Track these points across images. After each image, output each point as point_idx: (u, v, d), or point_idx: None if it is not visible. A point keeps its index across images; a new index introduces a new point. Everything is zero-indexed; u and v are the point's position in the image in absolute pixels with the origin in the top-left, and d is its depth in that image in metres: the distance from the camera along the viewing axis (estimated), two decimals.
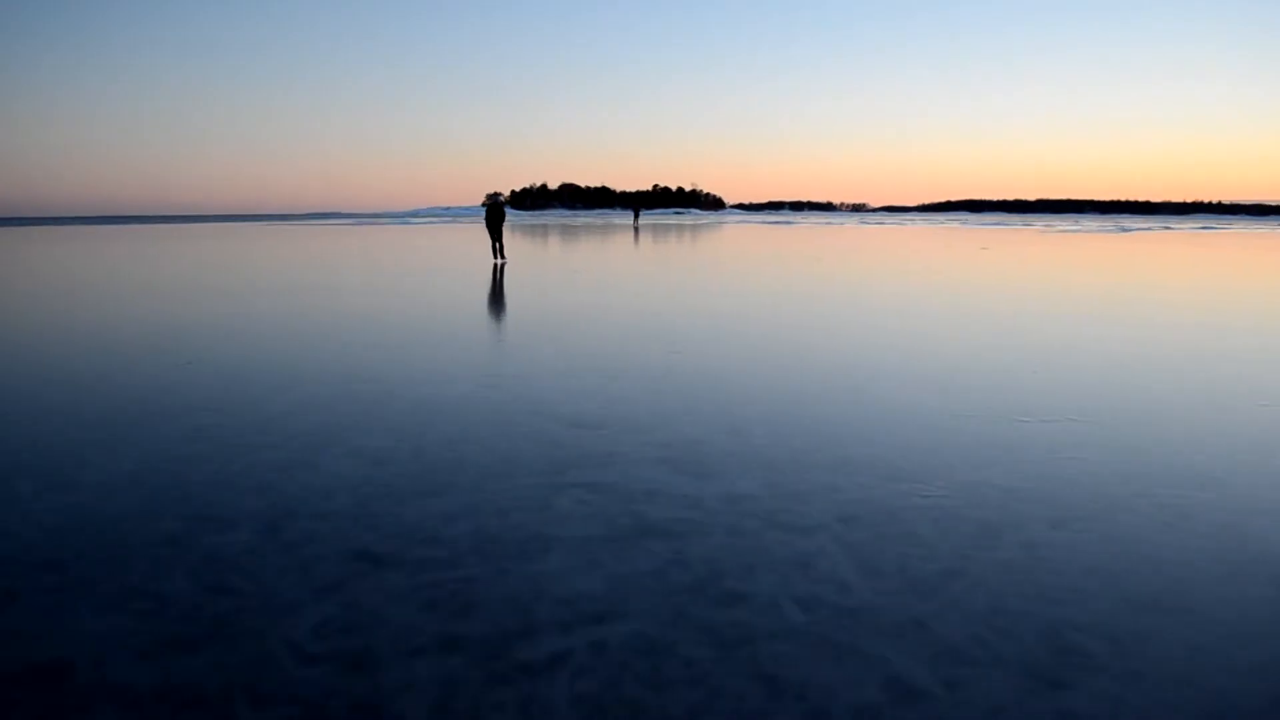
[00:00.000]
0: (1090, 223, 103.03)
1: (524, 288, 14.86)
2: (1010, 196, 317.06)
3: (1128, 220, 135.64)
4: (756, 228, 66.92)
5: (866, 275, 17.59)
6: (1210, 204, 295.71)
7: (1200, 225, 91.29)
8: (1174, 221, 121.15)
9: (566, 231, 53.03)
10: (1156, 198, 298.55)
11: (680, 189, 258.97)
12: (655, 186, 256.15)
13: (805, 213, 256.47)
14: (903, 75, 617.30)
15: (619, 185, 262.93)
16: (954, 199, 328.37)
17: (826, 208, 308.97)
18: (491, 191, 24.10)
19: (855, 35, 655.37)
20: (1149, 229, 71.31)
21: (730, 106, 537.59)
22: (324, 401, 6.18)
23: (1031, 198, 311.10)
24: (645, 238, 41.57)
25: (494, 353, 8.15)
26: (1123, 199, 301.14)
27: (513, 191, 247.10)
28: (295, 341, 8.86)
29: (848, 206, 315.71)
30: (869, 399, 6.23)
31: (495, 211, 21.79)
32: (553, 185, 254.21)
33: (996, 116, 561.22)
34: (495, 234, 21.48)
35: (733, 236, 44.78)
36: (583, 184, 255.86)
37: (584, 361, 7.66)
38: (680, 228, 65.61)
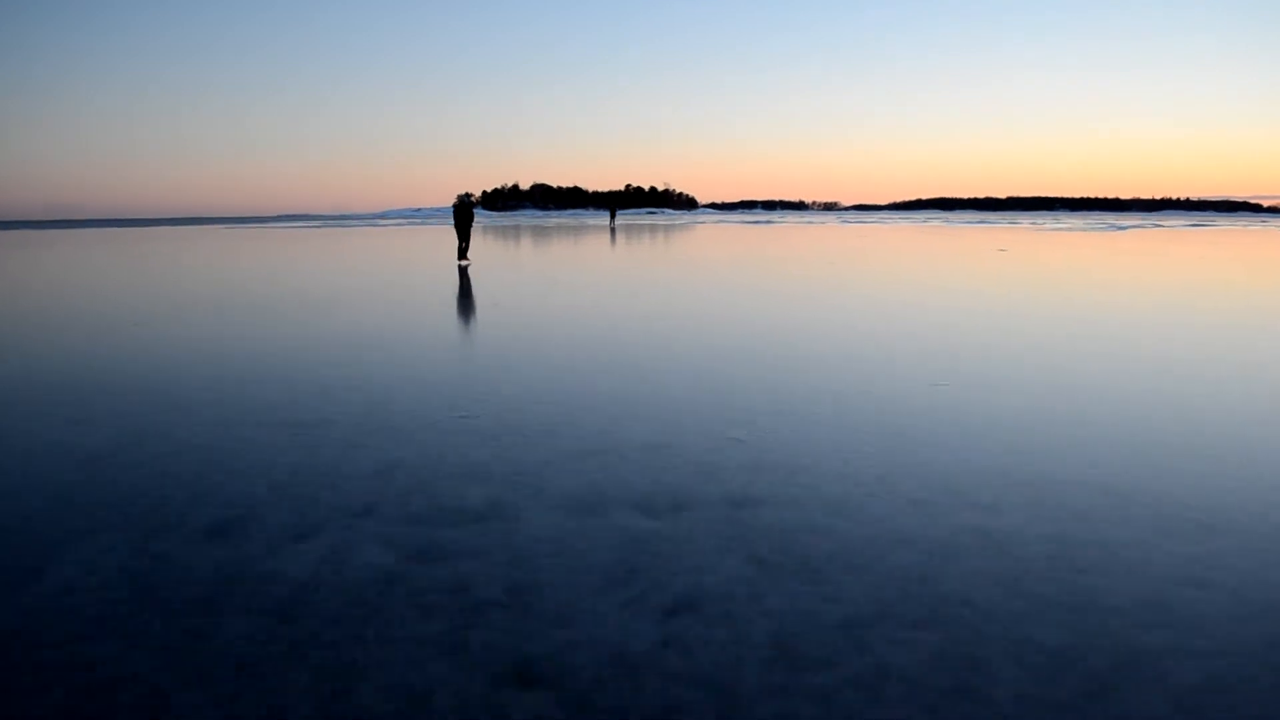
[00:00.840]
0: (1074, 221, 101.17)
1: (494, 310, 11.63)
2: (980, 195, 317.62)
3: (1110, 217, 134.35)
4: (738, 228, 63.88)
5: (918, 287, 14.49)
6: (1178, 200, 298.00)
7: (1191, 223, 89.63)
8: (1152, 219, 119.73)
9: (540, 233, 49.67)
10: (1125, 195, 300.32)
11: (653, 189, 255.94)
12: (628, 186, 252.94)
13: (778, 211, 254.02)
14: (871, 74, 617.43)
15: (591, 185, 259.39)
16: (924, 197, 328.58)
17: (798, 206, 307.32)
18: (463, 192, 22.98)
19: (823, 35, 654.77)
20: (1141, 226, 69.21)
21: (701, 106, 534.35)
22: (82, 611, 2.94)
23: (1001, 195, 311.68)
24: (626, 240, 38.37)
25: (439, 447, 4.93)
26: (1091, 196, 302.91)
27: (484, 192, 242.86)
28: (147, 413, 5.59)
29: (819, 205, 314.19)
30: (1158, 590, 3.09)
31: (464, 211, 21.30)
32: (524, 185, 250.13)
33: (964, 116, 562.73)
34: (463, 234, 21.03)
35: (719, 237, 41.68)
36: (555, 184, 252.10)
37: (592, 475, 4.45)
38: (659, 228, 62.44)
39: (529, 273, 18.70)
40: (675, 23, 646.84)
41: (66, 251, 32.54)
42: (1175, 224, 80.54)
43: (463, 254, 20.96)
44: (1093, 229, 59.79)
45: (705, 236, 43.48)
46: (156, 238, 48.53)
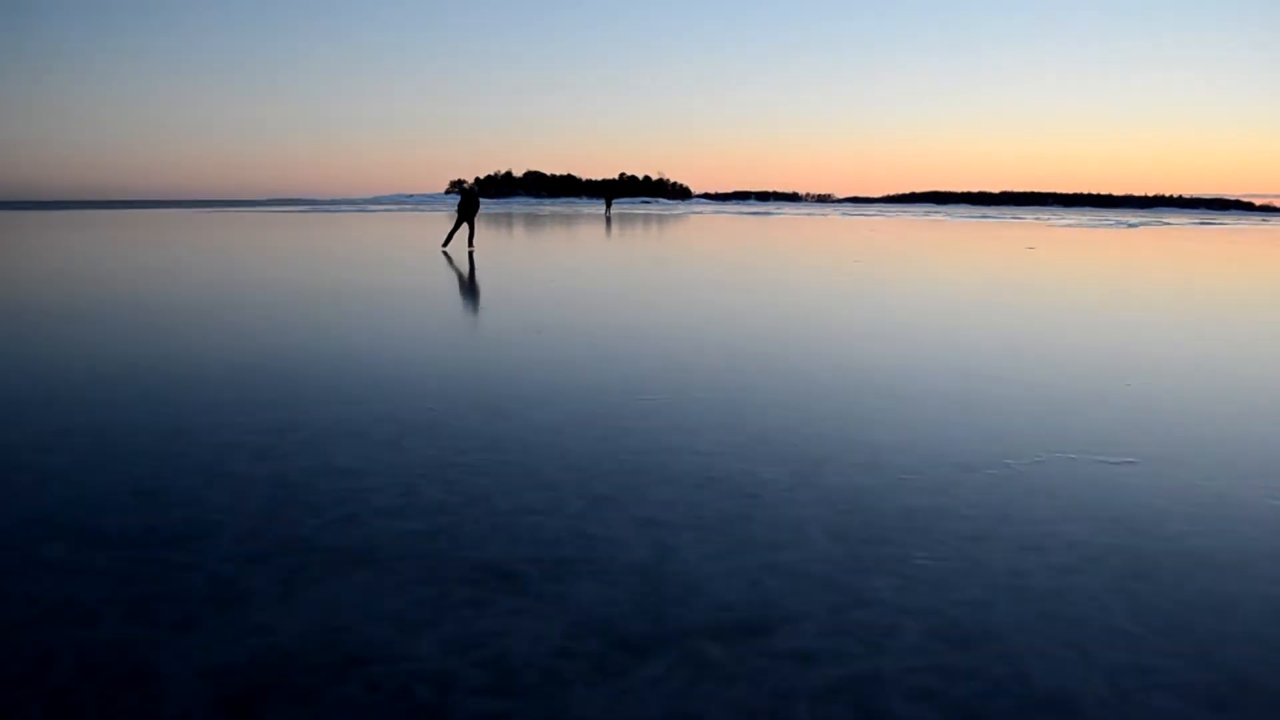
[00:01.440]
0: (1075, 216, 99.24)
1: (488, 325, 9.47)
2: (974, 189, 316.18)
3: (1107, 214, 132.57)
4: (739, 219, 61.73)
5: (978, 293, 12.37)
6: (1171, 198, 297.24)
7: (1197, 220, 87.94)
8: (1151, 215, 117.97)
9: (536, 221, 47.38)
10: (1118, 191, 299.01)
11: (647, 178, 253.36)
12: (622, 175, 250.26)
13: (772, 203, 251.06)
14: (863, 68, 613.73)
15: (585, 173, 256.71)
16: (918, 190, 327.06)
17: (792, 198, 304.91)
18: (456, 179, 22.14)
19: (817, 28, 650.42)
20: (1148, 223, 67.40)
21: (694, 96, 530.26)
22: None
23: (995, 190, 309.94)
24: (628, 232, 36.22)
25: (360, 620, 2.80)
26: (1083, 192, 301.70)
27: (476, 179, 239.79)
28: None
29: (813, 197, 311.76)
30: None
31: (469, 199, 21.14)
32: (518, 173, 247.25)
33: (956, 110, 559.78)
34: (466, 221, 20.93)
35: (725, 229, 39.54)
36: (548, 172, 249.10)
37: None
38: (658, 219, 60.27)
39: (529, 270, 16.49)
40: (670, 12, 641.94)
41: (21, 237, 30.18)
42: (1180, 221, 78.72)
43: (451, 239, 21.13)
44: (1101, 225, 57.91)
45: (710, 228, 41.36)
46: (132, 223, 46.13)
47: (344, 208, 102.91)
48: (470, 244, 21.41)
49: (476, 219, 24.66)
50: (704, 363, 6.87)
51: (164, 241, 25.28)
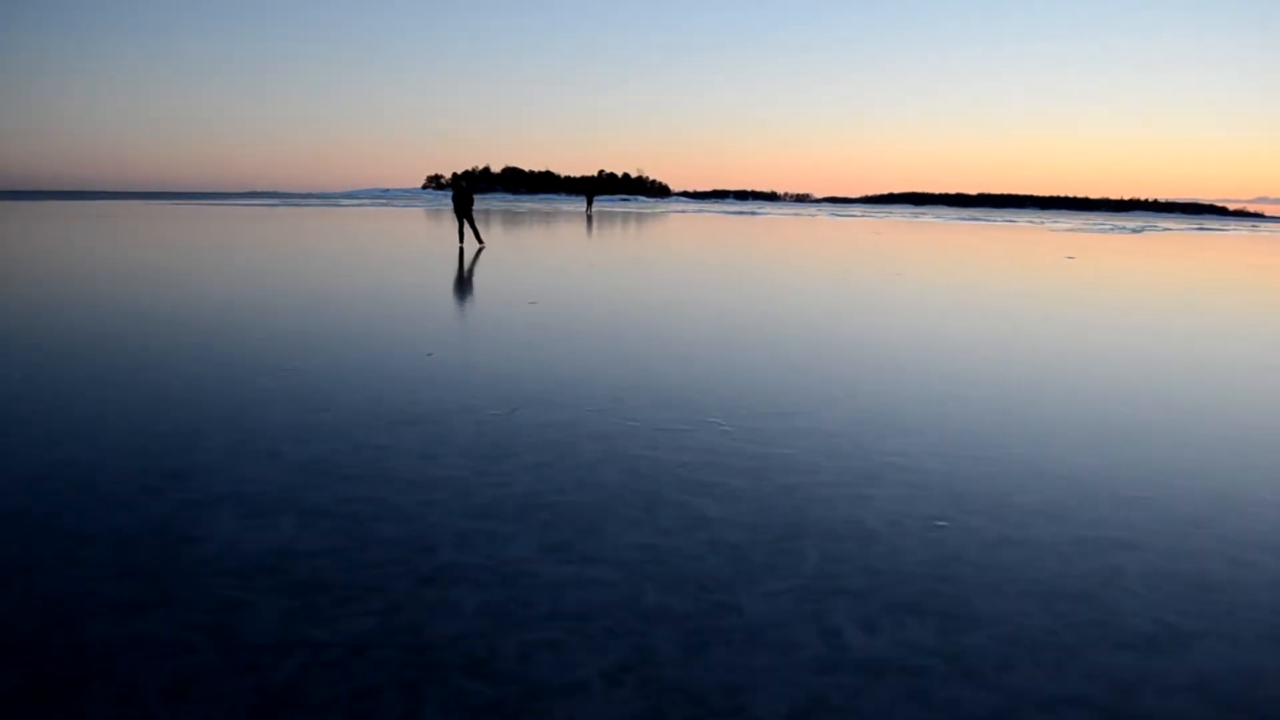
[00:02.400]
0: (1069, 221, 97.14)
1: (436, 399, 6.33)
2: (951, 190, 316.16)
3: (1092, 218, 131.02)
4: (726, 218, 58.76)
5: (1102, 320, 9.39)
6: (1146, 201, 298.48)
7: (1193, 226, 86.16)
8: (1135, 219, 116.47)
9: (513, 218, 44.10)
10: (1094, 194, 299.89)
11: (626, 175, 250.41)
12: (601, 172, 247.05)
13: (751, 202, 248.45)
14: (844, 69, 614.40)
15: (563, 170, 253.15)
16: (896, 191, 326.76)
17: (770, 197, 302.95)
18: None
19: (796, 30, 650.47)
20: (1147, 228, 65.23)
21: (673, 94, 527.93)
22: None
23: (972, 192, 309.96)
24: (615, 232, 33.07)
25: None
26: (1060, 195, 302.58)
27: (454, 174, 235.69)
28: None
29: (791, 196, 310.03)
30: None
31: (460, 195, 20.79)
32: (496, 168, 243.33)
33: (934, 112, 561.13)
34: (464, 217, 20.61)
35: (718, 232, 36.49)
36: (526, 168, 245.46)
37: None
38: (642, 217, 57.17)
39: (512, 279, 13.26)
40: (650, 12, 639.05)
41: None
42: (1177, 227, 76.62)
43: (462, 238, 20.76)
44: (1100, 230, 55.46)
45: (703, 230, 38.28)
46: (100, 214, 42.38)
47: (315, 202, 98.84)
48: (461, 239, 20.80)
49: (474, 215, 23.64)
50: (804, 480, 3.76)
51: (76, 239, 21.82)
